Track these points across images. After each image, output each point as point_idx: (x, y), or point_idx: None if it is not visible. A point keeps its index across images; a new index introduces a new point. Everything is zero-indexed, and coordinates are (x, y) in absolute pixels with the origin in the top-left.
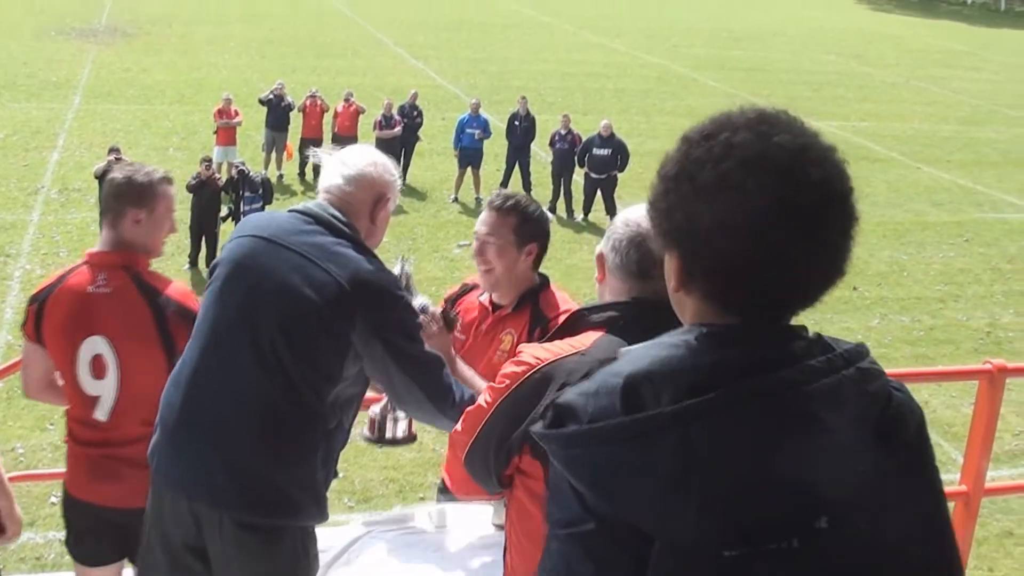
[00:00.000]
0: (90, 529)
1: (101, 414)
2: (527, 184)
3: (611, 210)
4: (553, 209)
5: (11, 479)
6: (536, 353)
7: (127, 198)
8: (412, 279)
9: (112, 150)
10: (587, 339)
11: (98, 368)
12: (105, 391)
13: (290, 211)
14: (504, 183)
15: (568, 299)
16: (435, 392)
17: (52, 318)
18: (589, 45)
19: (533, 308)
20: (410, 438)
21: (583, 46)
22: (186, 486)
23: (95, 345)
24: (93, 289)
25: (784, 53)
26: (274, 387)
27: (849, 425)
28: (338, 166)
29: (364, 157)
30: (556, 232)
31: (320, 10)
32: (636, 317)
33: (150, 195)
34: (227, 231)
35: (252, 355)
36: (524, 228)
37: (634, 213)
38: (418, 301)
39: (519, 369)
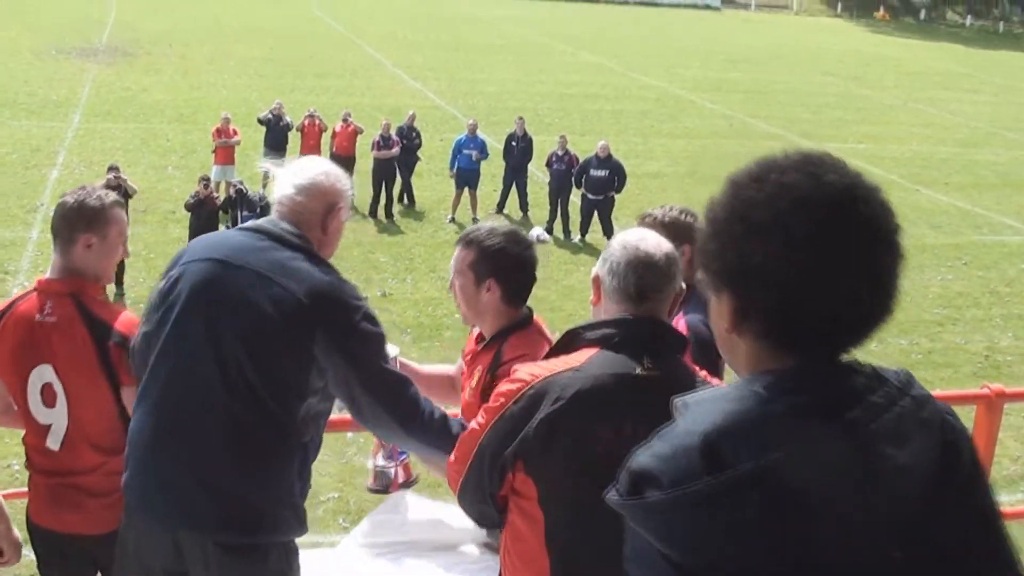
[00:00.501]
0: (54, 555)
1: (53, 443)
2: (524, 205)
3: (608, 231)
4: (550, 230)
5: (6, 495)
6: (531, 371)
7: (78, 223)
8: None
9: (111, 168)
10: (582, 356)
11: (48, 397)
12: (56, 420)
13: (240, 229)
14: (501, 204)
15: (535, 343)
16: (398, 409)
17: (2, 345)
18: (587, 66)
19: (497, 349)
20: (412, 481)
21: (581, 67)
22: (166, 515)
23: (44, 374)
24: (40, 318)
25: (782, 75)
26: (244, 407)
27: (912, 457)
28: (289, 176)
29: (315, 167)
30: (553, 253)
31: (319, 30)
32: (630, 334)
33: (102, 220)
34: None
35: (218, 377)
36: (481, 264)
37: (631, 236)
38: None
39: (514, 387)
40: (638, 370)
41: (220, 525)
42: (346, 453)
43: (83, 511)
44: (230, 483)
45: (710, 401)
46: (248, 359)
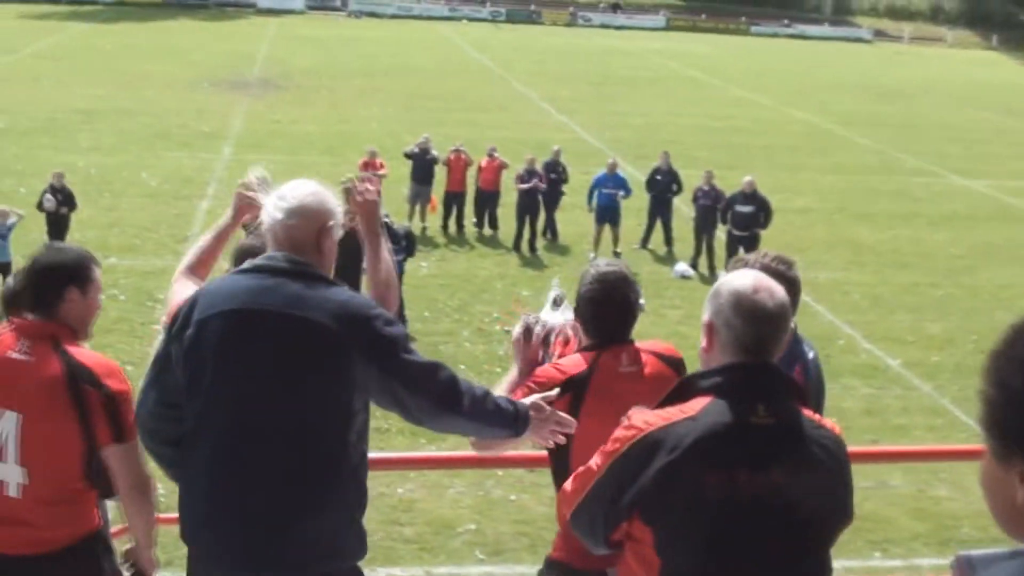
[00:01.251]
0: None
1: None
2: (668, 239)
3: None
4: (695, 265)
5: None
6: (646, 418)
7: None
8: (564, 298)
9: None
10: (696, 404)
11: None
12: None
13: (243, 272)
14: (645, 239)
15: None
16: (440, 397)
17: None
18: (736, 100)
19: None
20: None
21: (730, 101)
22: (243, 563)
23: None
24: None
25: (934, 109)
26: (298, 445)
27: None
28: (276, 202)
29: (302, 189)
30: (696, 290)
31: (468, 66)
32: (744, 381)
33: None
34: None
35: (269, 423)
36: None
37: (742, 283)
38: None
39: (628, 433)
40: (753, 418)
41: (296, 563)
42: (485, 485)
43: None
44: (298, 521)
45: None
46: (294, 398)
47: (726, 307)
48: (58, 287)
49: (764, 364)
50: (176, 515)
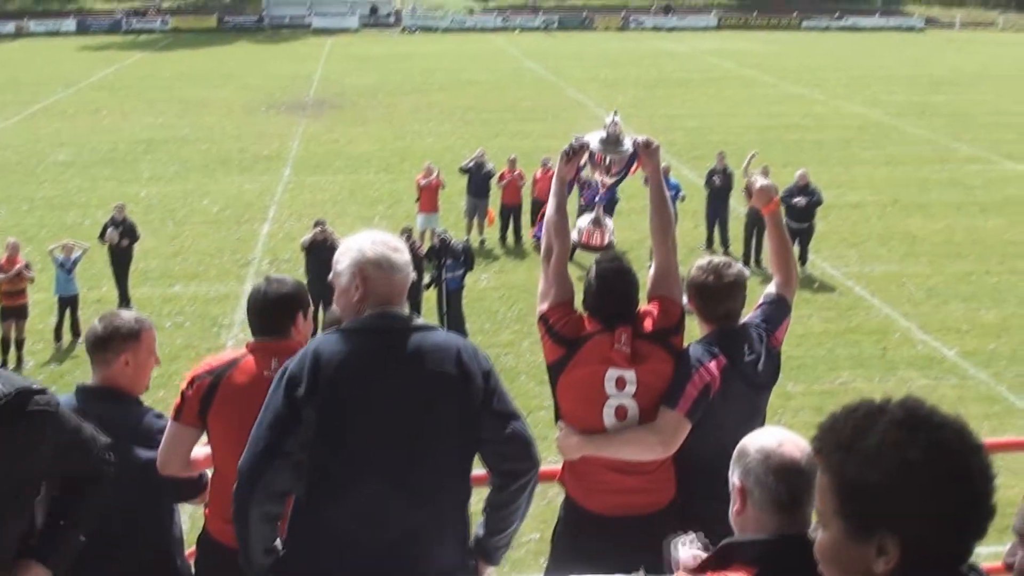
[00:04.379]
0: None
1: None
2: (724, 240)
3: (804, 260)
4: (747, 261)
5: None
6: None
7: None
8: (621, 128)
9: (317, 223)
10: None
11: None
12: None
13: (353, 331)
14: (709, 239)
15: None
16: (525, 429)
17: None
18: (788, 97)
19: None
20: (609, 245)
21: (782, 98)
22: None
23: None
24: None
25: (987, 95)
26: (442, 488)
27: None
28: (371, 254)
29: (391, 242)
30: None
31: (522, 76)
32: (787, 557)
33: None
34: (429, 298)
35: (418, 472)
36: None
37: (768, 441)
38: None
39: None
40: None
41: None
42: (547, 494)
43: None
44: (435, 551)
45: None
46: (438, 446)
47: (756, 465)
48: (292, 313)
49: (802, 538)
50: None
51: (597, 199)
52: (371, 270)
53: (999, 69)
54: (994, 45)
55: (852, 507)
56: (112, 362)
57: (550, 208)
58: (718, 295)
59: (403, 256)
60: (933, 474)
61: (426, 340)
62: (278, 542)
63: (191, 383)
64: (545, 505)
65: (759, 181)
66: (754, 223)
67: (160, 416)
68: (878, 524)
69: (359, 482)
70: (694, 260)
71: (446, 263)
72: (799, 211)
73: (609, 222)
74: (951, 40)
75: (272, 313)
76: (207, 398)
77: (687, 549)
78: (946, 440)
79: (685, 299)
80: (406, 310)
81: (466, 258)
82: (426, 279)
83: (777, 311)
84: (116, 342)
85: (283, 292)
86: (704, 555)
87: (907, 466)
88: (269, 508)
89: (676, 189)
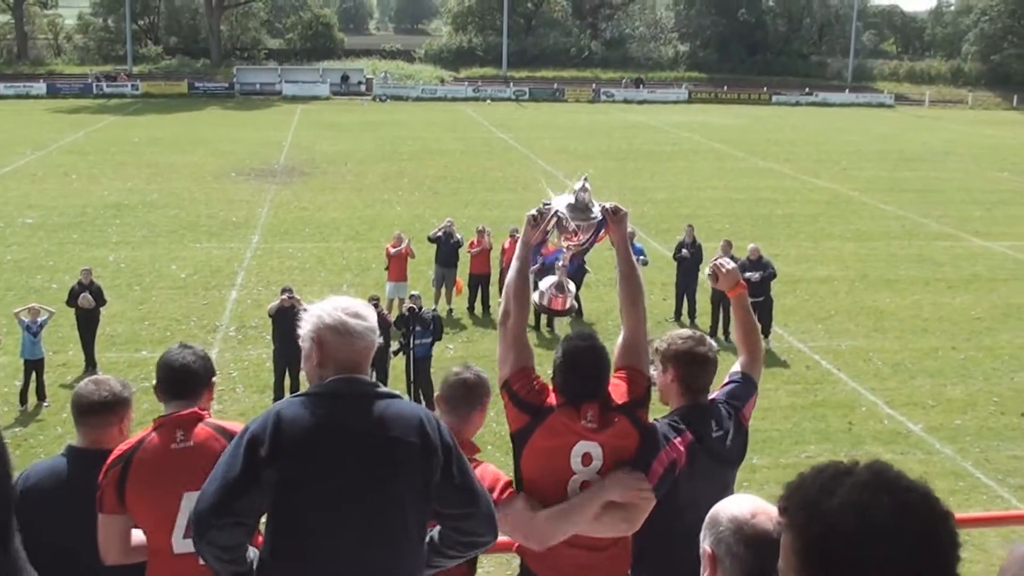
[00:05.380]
0: None
1: None
2: (692, 313)
3: (767, 331)
4: (713, 333)
5: None
6: None
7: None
8: (590, 194)
9: (285, 290)
10: None
11: None
12: None
13: (316, 396)
14: (677, 312)
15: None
16: (488, 509)
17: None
18: (757, 171)
19: None
20: (570, 309)
21: (751, 172)
22: None
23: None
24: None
25: (956, 172)
26: (396, 554)
27: None
28: (335, 321)
29: (359, 309)
30: (722, 362)
31: (492, 146)
32: None
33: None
34: (397, 365)
35: (370, 541)
36: None
37: (740, 510)
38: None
39: None
40: None
41: None
42: (512, 564)
43: None
44: None
45: None
46: (394, 513)
47: (727, 535)
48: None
49: None
50: None
51: (560, 263)
52: (328, 335)
53: (968, 146)
54: (963, 123)
55: (812, 568)
56: (109, 426)
57: (512, 272)
58: (705, 365)
59: (363, 323)
60: (897, 539)
61: (390, 408)
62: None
63: (105, 473)
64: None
65: (726, 265)
66: (721, 296)
67: None
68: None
69: (318, 547)
70: (662, 332)
71: (415, 331)
72: (753, 285)
73: (571, 286)
74: (921, 117)
75: (184, 380)
76: (120, 483)
77: None
78: (912, 504)
79: (653, 371)
80: (370, 377)
81: (435, 327)
82: (394, 346)
83: (744, 388)
84: (117, 407)
85: (191, 360)
86: None
87: (871, 529)
88: (220, 554)
89: (640, 252)
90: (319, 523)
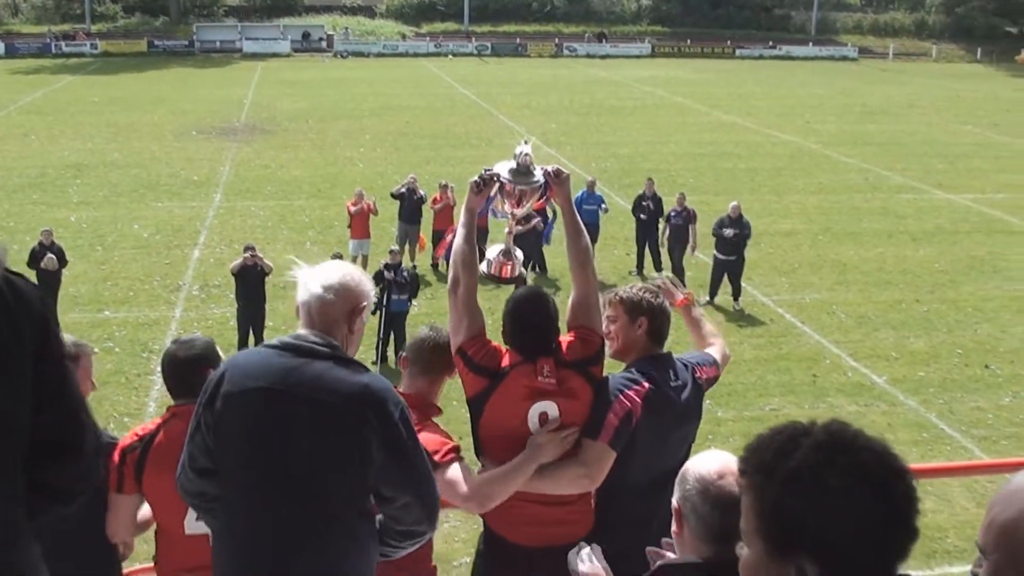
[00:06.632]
0: None
1: None
2: (657, 264)
3: (737, 293)
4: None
5: None
6: None
7: None
8: (531, 158)
9: (247, 248)
10: None
11: None
12: None
13: (272, 347)
14: (639, 265)
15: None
16: (428, 498)
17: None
18: (721, 125)
19: None
20: (519, 277)
21: (715, 126)
22: None
23: None
24: None
25: (919, 125)
26: (322, 520)
27: None
28: (313, 278)
29: (341, 270)
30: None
31: (455, 102)
32: None
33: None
34: (370, 324)
35: (292, 500)
36: None
37: (709, 469)
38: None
39: None
40: None
41: None
42: (479, 519)
43: None
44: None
45: None
46: (315, 478)
47: (693, 495)
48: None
49: (735, 564)
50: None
51: (506, 231)
52: (301, 292)
53: (931, 99)
54: (927, 75)
55: (772, 528)
56: None
57: (458, 239)
58: (669, 316)
59: (353, 281)
60: (852, 498)
61: (331, 371)
62: None
63: (122, 455)
64: (476, 530)
65: (670, 287)
66: (675, 246)
67: (111, 438)
68: (796, 547)
69: (233, 501)
70: (626, 286)
71: (392, 290)
72: (728, 243)
73: (519, 253)
74: (884, 70)
75: (185, 375)
76: (139, 465)
77: (592, 565)
78: (866, 464)
79: (612, 326)
80: (350, 341)
81: (412, 285)
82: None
83: (705, 359)
84: None
85: (193, 353)
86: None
87: (826, 490)
88: (194, 503)
89: (600, 202)
90: (231, 472)
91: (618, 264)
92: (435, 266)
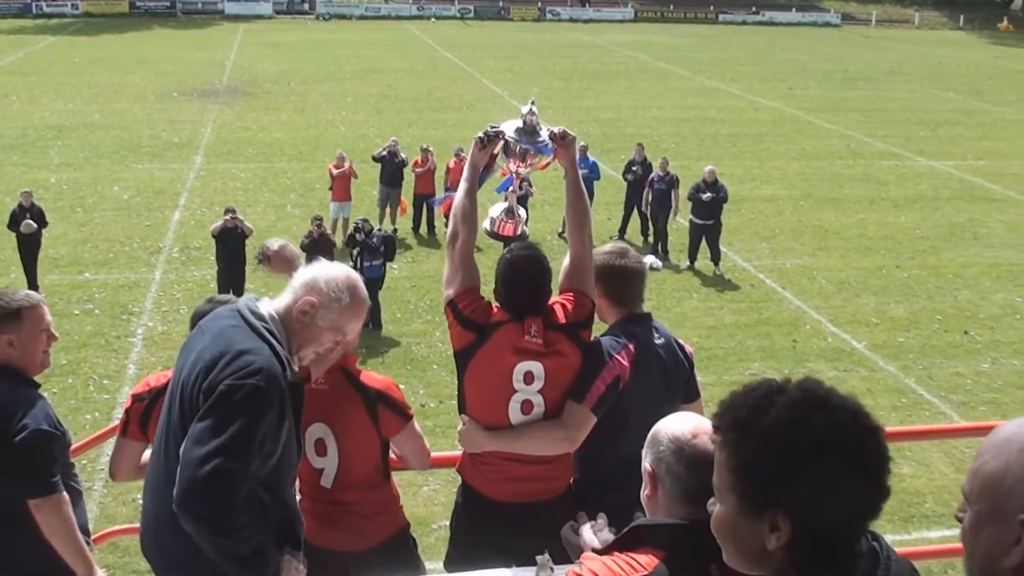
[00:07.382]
0: (327, 572)
1: None
2: (645, 229)
3: (716, 257)
4: (655, 252)
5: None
6: (594, 568)
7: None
8: (537, 118)
9: (228, 210)
10: (648, 561)
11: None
12: None
13: (232, 309)
14: (622, 230)
15: None
16: (203, 487)
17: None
18: (703, 90)
19: None
20: (521, 235)
21: (697, 91)
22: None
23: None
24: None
25: (901, 92)
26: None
27: None
28: (311, 271)
29: (332, 271)
30: (666, 280)
31: (437, 65)
32: (696, 541)
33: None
34: None
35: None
36: None
37: (683, 428)
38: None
39: None
40: None
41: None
42: (457, 480)
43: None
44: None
45: None
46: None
47: (667, 455)
48: None
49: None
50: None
51: (510, 189)
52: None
53: (914, 65)
54: (909, 42)
55: (745, 485)
56: None
57: (460, 193)
58: (629, 278)
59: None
60: (825, 456)
61: (225, 332)
62: None
63: (133, 401)
64: (456, 492)
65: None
66: (659, 210)
67: (48, 408)
68: (770, 502)
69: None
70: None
71: (364, 256)
72: (705, 207)
73: (522, 212)
74: (867, 36)
75: None
76: (147, 413)
77: (600, 534)
78: (840, 422)
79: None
80: (285, 320)
81: (386, 248)
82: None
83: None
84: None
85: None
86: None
87: (799, 447)
88: None
89: (594, 168)
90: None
91: (599, 229)
92: (416, 229)
